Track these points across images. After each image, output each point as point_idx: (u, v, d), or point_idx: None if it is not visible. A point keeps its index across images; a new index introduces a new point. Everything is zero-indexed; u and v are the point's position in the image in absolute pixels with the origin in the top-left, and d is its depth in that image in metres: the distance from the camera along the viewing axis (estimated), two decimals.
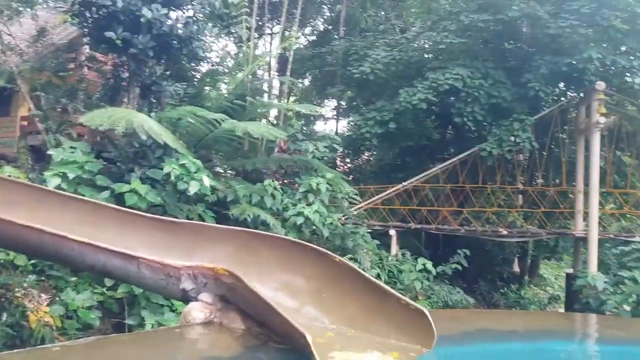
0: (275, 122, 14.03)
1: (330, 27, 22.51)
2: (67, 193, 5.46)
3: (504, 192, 15.07)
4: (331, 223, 9.79)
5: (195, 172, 7.74)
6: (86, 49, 12.25)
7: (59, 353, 3.08)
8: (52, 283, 6.58)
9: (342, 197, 10.90)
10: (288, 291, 3.86)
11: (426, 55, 16.29)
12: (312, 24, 23.82)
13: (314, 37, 23.76)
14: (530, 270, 20.43)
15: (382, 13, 20.43)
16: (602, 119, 13.43)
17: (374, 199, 13.85)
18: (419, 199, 14.19)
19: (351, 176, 19.25)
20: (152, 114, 8.93)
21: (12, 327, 5.84)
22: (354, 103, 20.64)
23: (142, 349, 3.30)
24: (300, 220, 9.33)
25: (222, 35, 18.85)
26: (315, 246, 4.05)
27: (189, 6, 10.12)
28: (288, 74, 13.59)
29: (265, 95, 14.20)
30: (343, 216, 11.10)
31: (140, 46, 8.84)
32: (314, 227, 9.67)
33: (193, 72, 13.28)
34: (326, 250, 3.94)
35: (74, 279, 6.61)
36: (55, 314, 5.94)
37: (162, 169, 7.70)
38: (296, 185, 10.52)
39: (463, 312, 9.07)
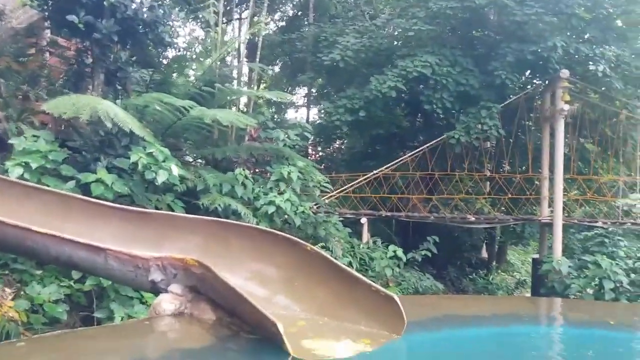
0: (245, 109, 13.88)
1: (299, 13, 22.32)
2: (30, 183, 5.30)
3: (471, 179, 15.34)
4: (303, 212, 9.77)
5: (164, 161, 7.58)
6: (47, 34, 11.81)
7: (25, 348, 3.01)
8: (16, 277, 6.38)
9: (313, 186, 10.89)
10: (259, 280, 3.85)
11: (395, 43, 16.34)
12: (281, 9, 23.58)
13: (283, 23, 23.53)
14: (497, 256, 20.92)
15: None
16: (566, 107, 13.75)
17: (345, 187, 13.92)
18: (390, 186, 14.32)
19: (323, 164, 19.28)
20: (118, 101, 8.69)
21: None
22: (325, 90, 20.60)
23: (111, 342, 3.24)
24: (271, 209, 9.29)
25: (190, 20, 18.50)
26: (286, 235, 4.05)
27: None
28: (257, 60, 13.42)
29: (235, 82, 14.02)
30: (315, 205, 11.11)
31: (104, 31, 8.56)
32: (286, 216, 9.64)
33: (160, 58, 12.99)
34: (298, 239, 3.94)
35: (39, 272, 6.42)
36: (20, 309, 5.76)
37: (129, 157, 7.52)
38: (267, 174, 10.45)
39: (432, 298, 9.25)
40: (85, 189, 6.92)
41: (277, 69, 23.30)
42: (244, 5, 18.22)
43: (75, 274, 6.29)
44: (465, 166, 14.71)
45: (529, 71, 15.69)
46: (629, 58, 14.21)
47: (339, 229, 11.75)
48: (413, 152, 14.58)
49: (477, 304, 6.18)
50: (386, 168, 14.13)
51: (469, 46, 15.45)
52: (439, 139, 14.32)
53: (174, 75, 13.13)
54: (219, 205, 8.39)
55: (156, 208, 7.58)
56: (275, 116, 20.15)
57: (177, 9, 11.22)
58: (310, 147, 19.40)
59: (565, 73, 13.68)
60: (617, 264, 12.00)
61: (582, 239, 16.24)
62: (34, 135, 7.47)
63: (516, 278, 20.20)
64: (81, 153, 7.93)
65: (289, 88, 22.93)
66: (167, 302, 3.41)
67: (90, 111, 7.11)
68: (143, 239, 4.09)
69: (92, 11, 8.52)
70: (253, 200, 9.50)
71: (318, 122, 20.41)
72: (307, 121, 19.55)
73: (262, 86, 21.52)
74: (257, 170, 11.24)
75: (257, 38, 14.16)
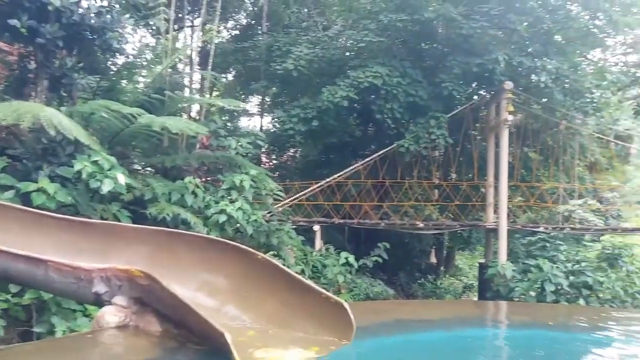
0: (197, 117, 13.70)
1: (253, 21, 22.27)
2: None
3: (420, 186, 15.71)
4: (255, 220, 9.71)
5: (109, 170, 7.38)
6: None
7: None
8: None
9: (266, 194, 10.85)
10: (208, 291, 3.80)
11: (347, 54, 16.58)
12: (234, 18, 23.46)
13: (237, 32, 23.41)
14: (446, 261, 21.46)
15: (305, 10, 20.52)
16: (510, 117, 14.31)
17: (298, 195, 13.95)
18: (342, 194, 14.47)
19: (277, 173, 19.26)
20: (63, 108, 8.40)
21: None
22: (279, 99, 20.62)
23: (50, 357, 3.12)
24: (223, 218, 9.19)
25: (140, 26, 18.11)
26: (236, 244, 4.01)
27: None
28: (210, 68, 13.30)
29: (187, 89, 13.83)
30: (268, 213, 11.07)
31: (49, 36, 8.28)
32: (238, 224, 9.56)
33: (108, 65, 12.65)
34: (248, 248, 3.91)
35: None
36: None
37: (72, 166, 7.29)
38: (219, 182, 10.34)
39: (383, 304, 9.36)
40: (25, 198, 6.65)
41: (230, 77, 23.13)
42: (196, 13, 18.03)
43: (14, 287, 6.01)
44: (415, 174, 15.06)
45: (475, 83, 16.24)
46: (567, 71, 14.94)
47: (292, 237, 11.75)
48: (365, 161, 14.79)
49: (426, 309, 6.29)
50: (339, 176, 14.27)
51: (418, 58, 15.87)
52: (389, 147, 14.60)
53: (123, 82, 12.83)
54: (168, 214, 8.23)
55: (102, 218, 7.36)
56: (228, 124, 19.96)
57: (126, 15, 10.96)
58: (263, 155, 19.34)
59: (509, 85, 14.24)
60: (557, 267, 12.54)
61: (525, 243, 16.90)
62: None
63: (464, 282, 20.71)
64: (22, 161, 7.62)
65: (243, 96, 22.78)
66: (111, 315, 3.31)
67: (33, 118, 6.85)
68: (87, 250, 3.95)
69: (35, 16, 8.24)
70: (204, 209, 9.38)
71: (272, 130, 20.40)
72: (261, 129, 19.50)
73: (214, 94, 21.29)
74: (208, 178, 11.10)
75: (209, 46, 14.04)
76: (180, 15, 16.73)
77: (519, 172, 15.96)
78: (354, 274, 12.24)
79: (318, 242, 13.26)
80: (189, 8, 16.43)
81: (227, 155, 10.61)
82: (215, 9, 14.27)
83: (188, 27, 19.63)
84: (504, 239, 14.26)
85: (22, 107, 7.16)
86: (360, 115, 16.84)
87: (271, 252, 10.24)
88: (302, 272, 10.91)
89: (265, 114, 22.53)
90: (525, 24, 14.46)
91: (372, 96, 14.70)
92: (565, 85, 15.07)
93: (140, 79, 13.27)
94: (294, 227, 12.25)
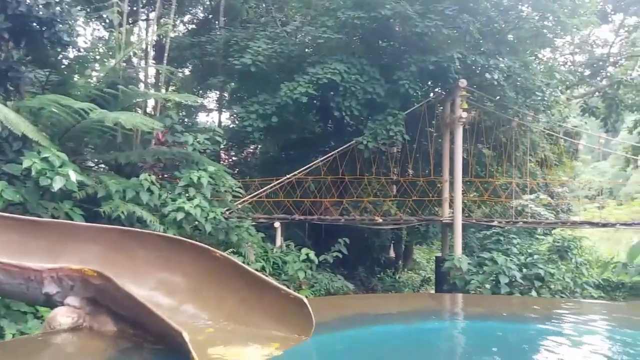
0: (152, 112, 13.39)
1: (210, 16, 21.93)
2: None
3: (379, 182, 15.90)
4: (214, 218, 9.58)
5: (60, 167, 7.12)
6: None
7: None
8: None
9: (225, 191, 10.73)
10: (165, 290, 3.74)
11: (306, 50, 16.55)
12: (191, 12, 23.05)
13: (193, 26, 23.01)
14: (404, 255, 21.83)
15: (264, 5, 20.35)
16: (465, 114, 14.63)
17: (258, 192, 13.85)
18: (303, 190, 14.47)
19: (236, 169, 19.04)
20: (9, 103, 8.08)
21: None
22: (237, 95, 20.40)
23: None
24: (180, 215, 9.02)
25: (92, 19, 17.54)
26: (194, 242, 3.97)
27: None
28: (165, 62, 13.01)
29: (142, 84, 13.49)
30: (227, 210, 10.95)
31: None
32: (196, 222, 9.41)
33: (58, 58, 12.19)
34: (206, 246, 3.87)
35: None
36: None
37: (21, 163, 6.99)
38: (176, 179, 10.16)
39: (342, 299, 9.43)
40: None
41: (187, 71, 22.71)
42: (152, 7, 17.61)
43: None
44: (374, 170, 15.21)
45: (430, 81, 16.50)
46: (519, 69, 15.41)
47: (252, 234, 11.69)
48: (325, 157, 14.83)
49: (385, 302, 6.40)
50: (299, 172, 14.25)
51: (376, 56, 16.01)
52: (348, 144, 14.69)
53: (75, 76, 12.40)
54: (122, 212, 8.02)
55: (52, 217, 7.11)
56: (186, 120, 19.62)
57: (77, 7, 10.58)
58: (222, 152, 19.10)
59: (463, 82, 14.56)
60: (511, 260, 12.96)
61: (480, 237, 17.41)
62: None
63: (422, 276, 21.13)
64: None
65: (200, 91, 22.42)
66: (63, 316, 3.21)
67: None
68: (36, 249, 3.82)
69: None
70: (160, 207, 9.19)
71: (231, 126, 20.16)
72: (219, 125, 19.25)
73: (171, 89, 20.86)
74: (164, 175, 10.87)
75: (164, 39, 13.74)
76: (134, 8, 16.31)
77: (473, 168, 16.34)
78: (315, 269, 12.30)
79: (279, 239, 13.23)
80: (144, 1, 16.04)
81: (184, 152, 10.42)
82: (171, 2, 13.99)
83: (143, 20, 19.17)
84: (459, 233, 14.60)
85: None
86: (319, 111, 16.87)
87: (230, 250, 10.15)
88: (263, 269, 10.87)
89: (224, 110, 22.27)
90: (478, 24, 14.81)
91: (331, 93, 14.75)
92: (517, 83, 15.54)
93: (93, 73, 12.88)
94: (254, 224, 12.18)
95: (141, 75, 13.78)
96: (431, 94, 16.98)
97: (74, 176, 7.20)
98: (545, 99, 16.14)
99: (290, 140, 17.43)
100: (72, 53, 12.53)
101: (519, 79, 15.42)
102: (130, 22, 16.27)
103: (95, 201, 8.25)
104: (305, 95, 13.88)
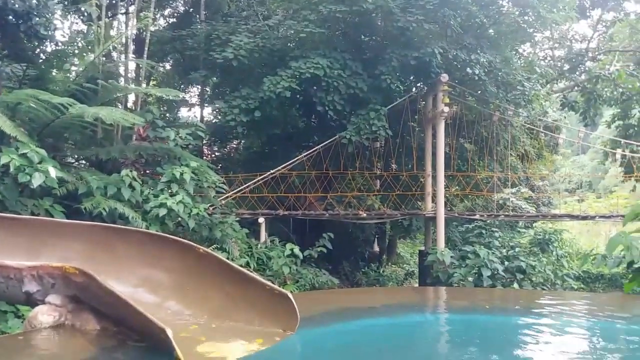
0: (133, 107, 13.22)
1: (191, 9, 21.68)
2: None
3: (363, 177, 15.95)
4: (197, 213, 9.52)
5: (39, 163, 7.00)
6: None
7: None
8: None
9: (208, 187, 10.66)
10: (149, 287, 3.72)
11: (289, 44, 16.48)
12: (171, 5, 22.75)
13: (174, 20, 22.72)
14: (388, 250, 21.95)
15: None
16: (446, 109, 14.73)
17: (242, 187, 13.79)
18: (287, 185, 14.44)
19: (220, 165, 18.93)
20: None
21: None
22: (219, 89, 20.24)
23: None
24: (163, 211, 8.94)
25: (71, 12, 17.21)
26: (177, 238, 3.94)
27: None
28: (145, 56, 12.84)
29: (122, 79, 13.30)
30: (210, 206, 10.88)
31: None
32: (179, 218, 9.34)
33: (36, 52, 11.94)
34: (189, 242, 3.85)
35: None
36: None
37: None
38: (158, 175, 10.05)
39: (327, 293, 9.47)
40: None
41: (168, 66, 22.44)
42: (131, 0, 17.33)
43: None
44: (357, 165, 15.25)
45: (412, 75, 16.58)
46: (500, 64, 15.58)
47: (236, 229, 11.63)
48: (308, 152, 14.82)
49: (369, 296, 6.44)
50: (283, 168, 14.23)
51: (358, 50, 16.01)
52: (332, 139, 14.70)
53: (53, 71, 12.16)
54: (104, 209, 7.92)
55: (32, 214, 6.99)
56: (168, 115, 19.41)
57: (55, 0, 10.39)
58: (205, 147, 18.96)
59: (445, 77, 14.64)
60: (493, 253, 13.13)
61: (463, 231, 17.60)
62: None
63: (405, 269, 21.27)
64: None
65: (182, 86, 22.19)
66: (44, 314, 3.16)
67: None
68: (16, 247, 3.75)
69: None
70: (142, 203, 9.09)
71: (213, 121, 19.99)
72: (202, 120, 19.09)
73: (152, 83, 20.60)
74: (146, 171, 10.75)
75: (144, 33, 13.55)
76: (113, 1, 16.05)
77: (455, 162, 16.48)
78: (300, 265, 12.29)
79: (263, 234, 13.20)
80: None
81: (166, 147, 10.32)
82: None
83: (122, 14, 18.86)
84: (442, 227, 14.71)
85: None
86: (302, 106, 16.83)
87: (214, 246, 10.10)
88: (247, 265, 10.83)
89: (206, 105, 22.07)
90: (459, 19, 14.89)
91: (314, 87, 14.72)
92: (498, 78, 15.70)
93: (72, 67, 12.65)
94: (238, 219, 12.12)
95: (121, 70, 13.58)
96: (413, 89, 17.04)
97: (53, 172, 7.09)
98: (526, 93, 16.34)
99: (274, 136, 17.37)
100: (50, 47, 12.29)
101: (499, 73, 15.57)
102: (110, 15, 16.03)
103: (76, 198, 8.14)
104: (289, 89, 13.83)
